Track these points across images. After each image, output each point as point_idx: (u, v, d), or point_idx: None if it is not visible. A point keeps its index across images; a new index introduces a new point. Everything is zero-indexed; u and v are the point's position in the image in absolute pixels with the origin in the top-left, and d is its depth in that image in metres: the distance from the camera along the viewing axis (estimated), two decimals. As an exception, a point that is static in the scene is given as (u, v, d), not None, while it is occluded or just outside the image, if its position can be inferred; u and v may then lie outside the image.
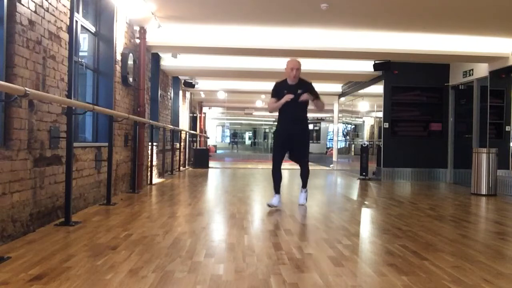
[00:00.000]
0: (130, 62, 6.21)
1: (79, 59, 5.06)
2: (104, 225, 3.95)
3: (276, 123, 5.51)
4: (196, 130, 16.00)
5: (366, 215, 5.20)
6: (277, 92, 5.25)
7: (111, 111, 5.32)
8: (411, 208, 5.56)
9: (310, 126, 26.28)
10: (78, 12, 4.81)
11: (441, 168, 9.46)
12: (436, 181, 9.37)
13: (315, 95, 5.23)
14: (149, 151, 7.53)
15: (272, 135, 5.63)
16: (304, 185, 5.41)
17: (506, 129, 7.70)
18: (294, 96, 5.07)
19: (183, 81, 11.64)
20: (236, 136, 34.95)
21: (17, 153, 3.32)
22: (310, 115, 5.98)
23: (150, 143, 7.56)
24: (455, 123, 9.39)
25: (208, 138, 22.43)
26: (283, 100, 5.09)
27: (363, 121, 12.26)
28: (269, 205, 5.19)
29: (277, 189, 5.31)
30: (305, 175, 5.38)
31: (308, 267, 2.81)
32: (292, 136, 5.21)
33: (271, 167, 5.37)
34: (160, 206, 5.40)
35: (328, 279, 2.55)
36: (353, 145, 12.81)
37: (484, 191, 6.98)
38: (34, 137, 3.57)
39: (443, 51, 7.36)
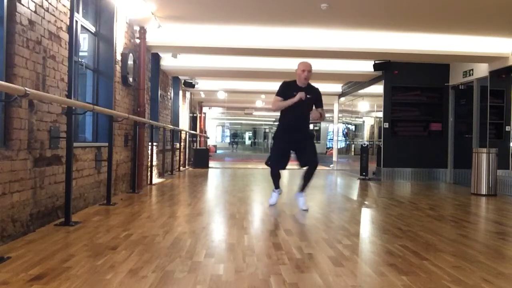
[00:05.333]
0: (130, 62, 6.21)
1: (79, 59, 5.06)
2: (104, 225, 3.95)
3: (277, 123, 5.44)
4: (196, 130, 16.00)
5: (366, 215, 5.20)
6: (284, 92, 5.04)
7: (111, 111, 5.32)
8: (411, 208, 5.56)
9: (310, 126, 26.38)
10: (78, 12, 4.81)
11: (441, 168, 9.46)
12: (436, 181, 9.37)
13: (321, 105, 5.12)
14: (149, 151, 7.52)
15: (272, 136, 5.53)
16: (303, 189, 5.13)
17: (506, 129, 7.70)
18: (306, 98, 4.91)
19: (183, 81, 11.64)
20: (236, 136, 34.97)
21: (17, 153, 3.32)
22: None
23: (150, 143, 7.55)
24: (455, 123, 9.39)
25: (208, 138, 22.42)
26: (296, 99, 4.86)
27: (363, 121, 12.26)
28: (271, 205, 5.35)
29: (276, 185, 5.40)
30: (309, 176, 5.09)
31: (308, 267, 2.80)
32: (294, 143, 5.07)
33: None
34: (160, 206, 5.40)
35: (328, 279, 2.55)
36: (353, 145, 12.81)
37: (484, 191, 6.98)
38: (34, 137, 3.57)
39: (443, 51, 7.35)
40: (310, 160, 5.06)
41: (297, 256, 3.04)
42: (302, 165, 5.13)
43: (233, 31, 7.12)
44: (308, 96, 4.95)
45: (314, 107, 5.12)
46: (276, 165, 5.27)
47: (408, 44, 7.30)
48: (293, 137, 5.06)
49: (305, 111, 5.05)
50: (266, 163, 5.37)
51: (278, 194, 5.48)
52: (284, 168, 5.26)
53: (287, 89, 5.05)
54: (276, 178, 5.37)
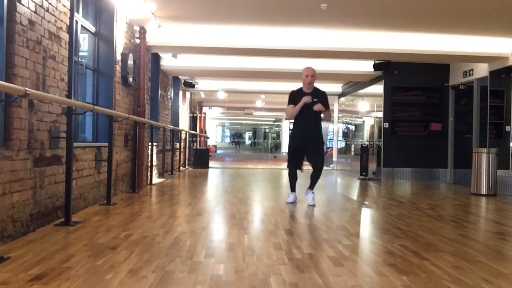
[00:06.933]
0: (130, 62, 6.21)
1: (79, 59, 5.06)
2: (104, 225, 3.95)
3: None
4: (196, 130, 16.00)
5: (366, 215, 5.20)
6: (293, 99, 5.41)
7: (111, 111, 5.32)
8: (411, 208, 5.56)
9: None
10: (78, 12, 4.81)
11: (441, 168, 9.45)
12: (436, 181, 9.37)
13: (327, 106, 5.40)
14: (149, 151, 7.52)
15: (288, 138, 5.82)
16: (312, 187, 5.50)
17: (506, 129, 7.70)
18: (312, 102, 5.23)
19: (183, 81, 11.64)
20: (239, 137, 34.97)
21: (17, 153, 3.32)
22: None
23: (150, 143, 7.55)
24: (455, 123, 9.39)
25: (208, 138, 22.42)
26: (301, 103, 5.25)
27: (363, 121, 12.26)
28: (287, 203, 5.57)
29: (292, 187, 5.63)
30: (315, 178, 5.48)
31: (308, 267, 2.80)
32: (306, 142, 5.39)
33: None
34: (160, 206, 5.40)
35: (328, 279, 2.55)
36: (353, 145, 12.80)
37: (484, 191, 6.98)
38: (34, 137, 3.57)
39: (443, 51, 7.35)
40: (317, 164, 5.44)
41: (297, 256, 3.04)
42: (312, 166, 5.51)
43: (233, 31, 7.12)
44: (315, 99, 5.27)
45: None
46: (290, 164, 5.59)
47: (408, 44, 7.30)
48: (303, 139, 5.39)
49: (314, 114, 5.35)
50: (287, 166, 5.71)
51: (294, 197, 5.66)
52: (298, 166, 5.57)
53: (295, 97, 5.41)
54: (292, 179, 5.61)
